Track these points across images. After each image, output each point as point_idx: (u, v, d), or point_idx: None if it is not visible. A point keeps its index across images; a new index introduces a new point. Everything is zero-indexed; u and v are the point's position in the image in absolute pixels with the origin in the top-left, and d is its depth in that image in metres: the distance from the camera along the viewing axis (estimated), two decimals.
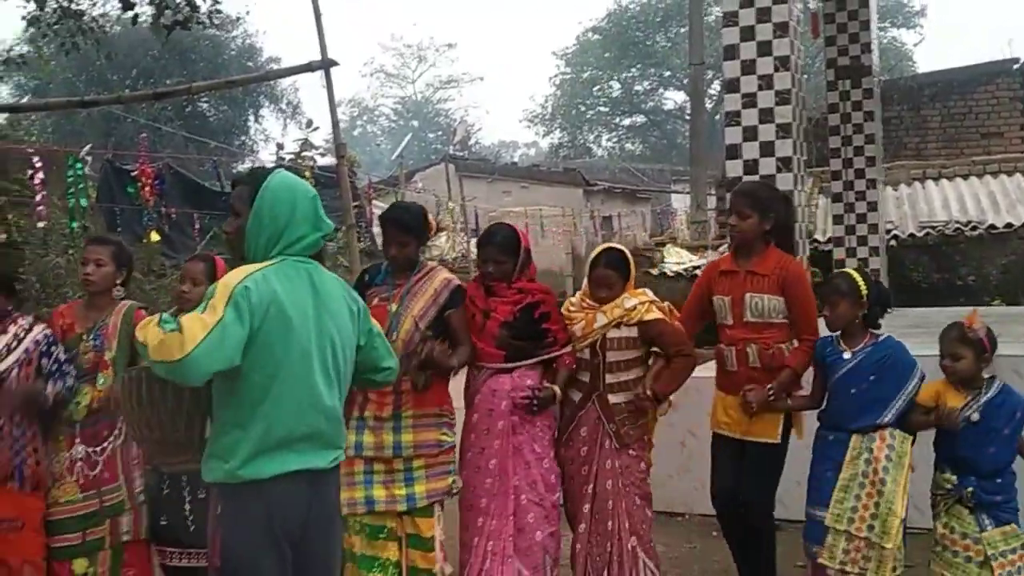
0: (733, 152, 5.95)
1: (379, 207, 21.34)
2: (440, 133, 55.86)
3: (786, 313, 4.38)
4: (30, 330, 4.23)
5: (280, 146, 21.28)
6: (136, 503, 4.27)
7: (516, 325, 4.39)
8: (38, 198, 10.74)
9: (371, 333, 3.24)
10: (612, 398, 4.39)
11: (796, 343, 4.40)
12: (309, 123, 22.55)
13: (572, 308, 4.55)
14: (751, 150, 5.88)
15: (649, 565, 4.40)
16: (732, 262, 4.53)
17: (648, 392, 4.34)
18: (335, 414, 3.02)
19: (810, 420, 4.42)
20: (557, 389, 4.38)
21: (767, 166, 5.84)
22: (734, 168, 5.95)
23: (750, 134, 5.89)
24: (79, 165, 10.25)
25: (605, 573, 4.34)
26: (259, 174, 3.15)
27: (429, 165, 29.43)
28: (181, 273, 4.64)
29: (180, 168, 16.39)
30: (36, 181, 10.69)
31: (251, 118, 33.29)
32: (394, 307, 4.27)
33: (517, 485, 4.34)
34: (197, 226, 13.98)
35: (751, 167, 5.87)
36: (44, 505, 4.15)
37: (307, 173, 12.48)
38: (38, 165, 10.70)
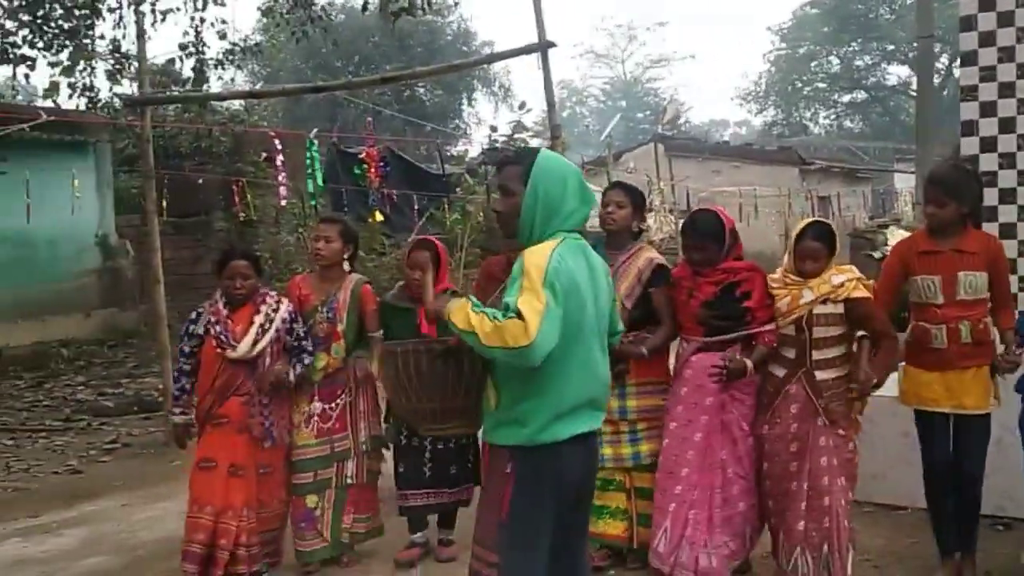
0: (969, 128, 5.64)
1: (594, 188, 21.45)
2: (649, 113, 55.38)
3: (988, 288, 4.43)
4: (277, 308, 4.84)
5: (494, 128, 21.81)
6: (360, 451, 5.01)
7: (716, 304, 4.51)
8: (280, 178, 11.44)
9: (613, 302, 3.42)
10: (819, 375, 4.37)
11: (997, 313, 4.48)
12: (522, 105, 22.98)
13: (775, 284, 4.52)
14: (989, 126, 5.56)
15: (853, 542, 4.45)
16: (931, 242, 4.50)
17: (866, 373, 4.28)
18: (607, 380, 3.25)
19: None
20: (749, 363, 4.40)
21: (1007, 143, 5.51)
22: (970, 145, 5.64)
23: (988, 109, 5.57)
24: (315, 148, 10.86)
25: (824, 547, 4.33)
26: (526, 153, 3.34)
27: (638, 145, 29.18)
28: (408, 261, 5.11)
29: (400, 152, 17.06)
30: (277, 163, 11.38)
31: (464, 102, 34.19)
32: None
33: (724, 459, 4.47)
34: (416, 207, 14.54)
35: (989, 144, 5.55)
36: (287, 452, 4.90)
37: None
38: (279, 147, 11.40)
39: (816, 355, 4.36)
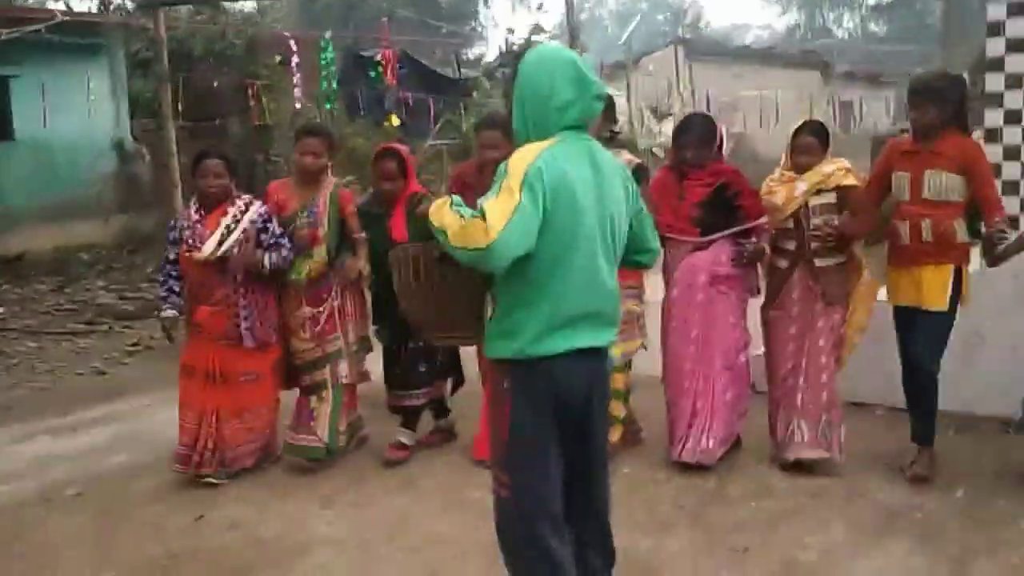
0: (995, 29, 5.50)
1: (612, 92, 21.18)
2: (669, 15, 54.26)
3: (962, 192, 4.51)
4: (246, 210, 4.85)
5: (511, 31, 21.53)
6: (351, 351, 5.12)
7: (710, 204, 4.78)
8: (295, 80, 11.31)
9: (641, 214, 3.18)
10: (818, 262, 4.74)
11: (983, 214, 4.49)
12: (540, 6, 22.62)
13: (773, 183, 4.87)
14: (1016, 27, 5.42)
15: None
16: (914, 144, 4.67)
17: (834, 222, 4.64)
18: (615, 294, 3.02)
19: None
20: (765, 245, 4.76)
21: None
22: (995, 47, 5.51)
23: (1015, 8, 5.43)
24: (330, 50, 10.72)
25: (823, 418, 4.75)
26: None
27: (658, 49, 28.70)
28: (374, 169, 5.17)
29: (415, 55, 16.78)
30: (292, 65, 11.25)
31: (481, 3, 33.52)
32: None
33: (714, 352, 4.86)
34: (432, 112, 14.38)
35: (1015, 45, 5.42)
36: (281, 357, 5.04)
37: None
38: (294, 49, 11.24)
39: (814, 244, 4.72)
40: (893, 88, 31.51)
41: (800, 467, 4.76)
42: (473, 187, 4.90)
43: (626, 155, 4.95)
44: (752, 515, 4.34)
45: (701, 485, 4.70)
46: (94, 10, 12.37)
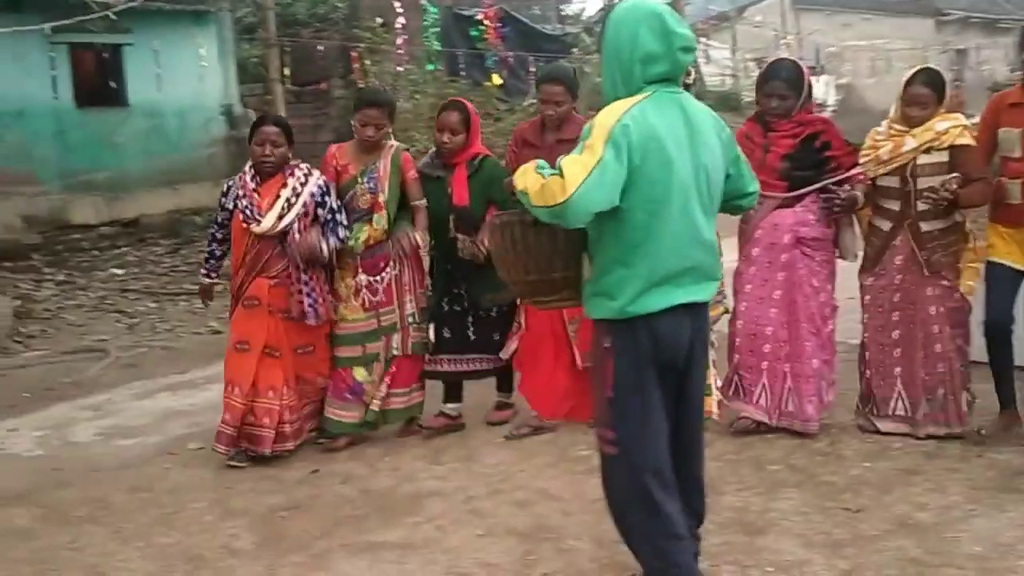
0: None
1: (714, 45, 20.79)
2: None
3: None
4: (306, 182, 4.70)
5: None
6: (406, 324, 4.94)
7: (797, 156, 4.52)
8: (399, 42, 11.34)
9: (738, 160, 3.15)
10: (924, 226, 4.42)
11: None
12: None
13: (879, 136, 4.54)
14: None
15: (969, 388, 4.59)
16: (1022, 95, 4.42)
17: (952, 187, 4.23)
18: (713, 247, 3.00)
19: None
20: (859, 194, 4.48)
21: None
22: None
23: None
24: (434, 10, 10.74)
25: (940, 391, 4.52)
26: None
27: None
28: (437, 123, 4.98)
29: (515, 13, 16.70)
30: (397, 26, 11.27)
31: None
32: None
33: (799, 316, 4.61)
34: (531, 70, 14.31)
35: None
36: (330, 327, 4.88)
37: None
38: (399, 11, 11.28)
39: (921, 206, 4.39)
40: (1011, 34, 30.10)
41: (890, 435, 4.61)
42: (535, 145, 4.82)
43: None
44: (865, 475, 4.27)
45: (811, 445, 4.64)
46: None
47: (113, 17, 10.25)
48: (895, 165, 4.43)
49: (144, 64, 12.19)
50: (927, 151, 4.37)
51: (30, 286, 9.94)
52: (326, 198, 4.73)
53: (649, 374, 2.94)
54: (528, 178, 2.83)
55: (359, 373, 4.93)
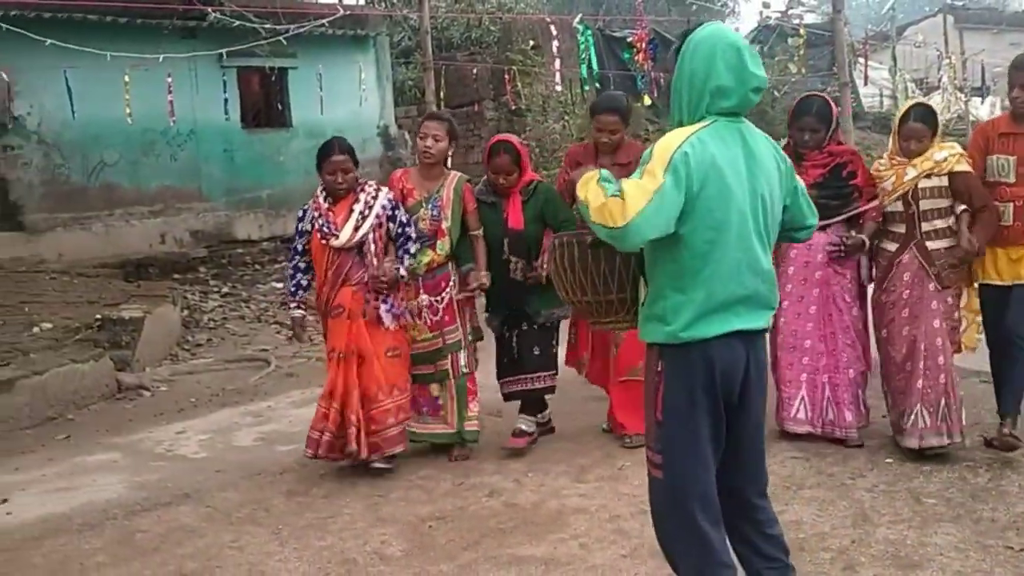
0: None
1: (874, 66, 20.13)
2: None
3: None
4: (376, 196, 4.96)
5: (766, 4, 20.77)
6: (468, 343, 5.19)
7: (825, 184, 4.84)
8: (556, 65, 11.49)
9: (796, 192, 3.11)
10: (930, 244, 4.75)
11: None
12: None
13: (881, 168, 4.91)
14: None
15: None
16: (1012, 125, 4.80)
17: (970, 242, 4.61)
18: (771, 275, 2.97)
19: None
20: (864, 237, 4.84)
21: None
22: None
23: None
24: (588, 33, 10.84)
25: (941, 402, 4.69)
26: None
27: (924, 17, 27.00)
28: (489, 166, 5.20)
29: (665, 33, 16.68)
30: (552, 49, 11.43)
31: None
32: None
33: (834, 330, 5.00)
34: None
35: None
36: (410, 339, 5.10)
37: (801, 31, 12.10)
38: (554, 34, 11.43)
39: (926, 226, 4.75)
40: None
41: (921, 455, 4.72)
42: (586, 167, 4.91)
43: None
44: None
45: (971, 479, 4.48)
46: (362, 2, 13.05)
47: (283, 42, 10.75)
48: (899, 193, 4.77)
49: (307, 86, 12.69)
50: (927, 176, 4.72)
51: (197, 297, 10.49)
52: (396, 212, 5.00)
53: (700, 400, 2.89)
54: (590, 190, 2.83)
55: (434, 389, 5.19)
